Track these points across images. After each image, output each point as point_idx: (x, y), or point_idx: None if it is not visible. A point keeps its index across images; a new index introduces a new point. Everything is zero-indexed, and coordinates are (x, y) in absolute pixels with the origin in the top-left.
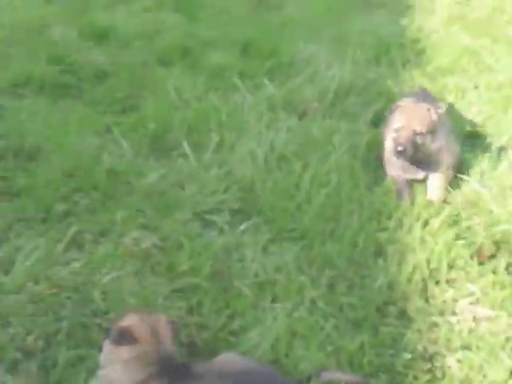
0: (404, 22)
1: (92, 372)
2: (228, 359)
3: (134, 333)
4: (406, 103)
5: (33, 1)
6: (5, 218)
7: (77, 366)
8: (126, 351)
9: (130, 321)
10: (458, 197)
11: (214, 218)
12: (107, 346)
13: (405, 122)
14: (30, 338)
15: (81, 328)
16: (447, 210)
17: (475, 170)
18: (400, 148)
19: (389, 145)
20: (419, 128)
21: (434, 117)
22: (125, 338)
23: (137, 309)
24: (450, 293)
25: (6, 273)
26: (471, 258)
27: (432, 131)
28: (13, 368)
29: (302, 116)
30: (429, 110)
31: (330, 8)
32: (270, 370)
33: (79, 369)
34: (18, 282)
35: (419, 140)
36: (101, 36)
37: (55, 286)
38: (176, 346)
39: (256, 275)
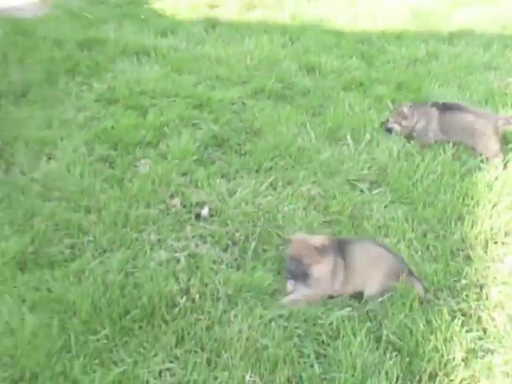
0: (510, 80)
1: (270, 259)
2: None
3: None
4: None
5: (273, 46)
6: (235, 167)
7: (262, 256)
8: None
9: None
10: None
11: (359, 184)
12: None
13: None
14: (237, 234)
15: (266, 234)
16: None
17: None
18: None
19: None
20: None
21: None
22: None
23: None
24: (502, 250)
25: (231, 196)
26: None
27: None
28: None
29: None
30: None
31: (461, 67)
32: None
33: (264, 259)
34: (236, 202)
35: None
36: (311, 69)
37: (256, 207)
38: None
39: (377, 220)
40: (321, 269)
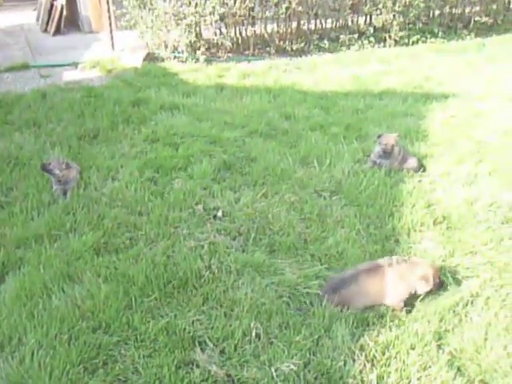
0: (420, 122)
1: (264, 244)
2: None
3: None
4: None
5: (262, 101)
6: (239, 183)
7: (259, 243)
8: None
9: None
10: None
11: (323, 193)
12: None
13: None
14: (242, 228)
15: (261, 228)
16: (425, 199)
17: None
18: None
19: None
20: None
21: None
22: None
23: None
24: (419, 235)
25: (237, 203)
26: (434, 223)
27: None
28: (233, 234)
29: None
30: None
31: (388, 114)
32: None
33: (260, 245)
34: (241, 207)
35: None
36: (288, 117)
37: (254, 210)
38: None
39: (336, 217)
40: None
